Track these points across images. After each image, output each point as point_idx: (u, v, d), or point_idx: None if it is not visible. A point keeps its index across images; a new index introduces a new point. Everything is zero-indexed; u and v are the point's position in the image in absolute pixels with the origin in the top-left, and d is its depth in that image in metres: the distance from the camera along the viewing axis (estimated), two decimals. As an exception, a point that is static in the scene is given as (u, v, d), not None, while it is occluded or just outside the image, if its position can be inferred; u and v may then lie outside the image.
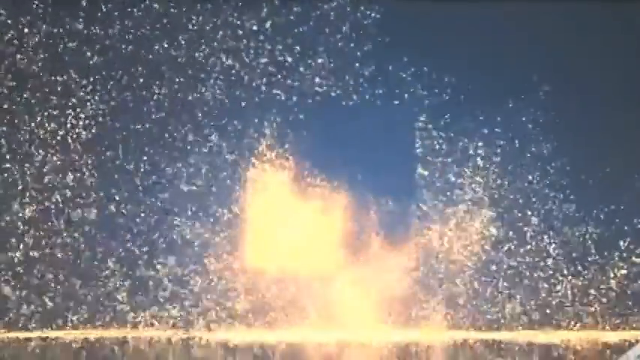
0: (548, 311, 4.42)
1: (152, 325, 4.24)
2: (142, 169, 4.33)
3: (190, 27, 4.37)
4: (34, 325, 4.19)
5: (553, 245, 4.47)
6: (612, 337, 4.34)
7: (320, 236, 4.36)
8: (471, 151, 4.50)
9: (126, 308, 4.23)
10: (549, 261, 4.46)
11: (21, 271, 4.22)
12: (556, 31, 4.45)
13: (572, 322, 4.41)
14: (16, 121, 4.30)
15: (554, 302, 4.42)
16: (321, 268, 4.33)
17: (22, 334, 4.14)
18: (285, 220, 4.36)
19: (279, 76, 4.40)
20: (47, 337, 4.14)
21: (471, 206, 4.47)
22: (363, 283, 4.36)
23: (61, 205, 4.27)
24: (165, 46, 4.34)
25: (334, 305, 4.33)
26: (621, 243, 4.45)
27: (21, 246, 4.23)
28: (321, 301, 4.32)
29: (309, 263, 4.34)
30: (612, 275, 4.43)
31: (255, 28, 4.37)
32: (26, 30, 4.31)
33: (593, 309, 4.41)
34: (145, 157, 4.34)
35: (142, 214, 4.31)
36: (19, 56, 4.31)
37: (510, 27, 4.45)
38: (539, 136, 4.51)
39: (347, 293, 4.33)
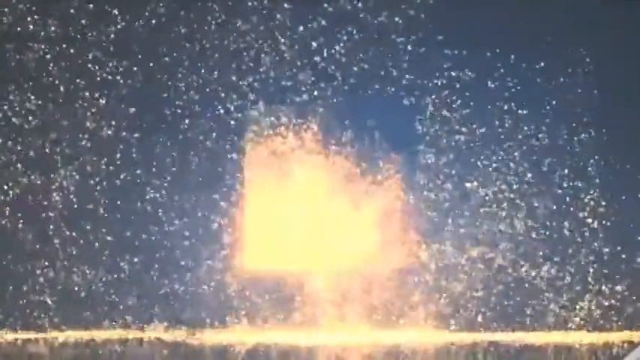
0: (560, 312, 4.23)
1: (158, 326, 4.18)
2: (160, 164, 4.20)
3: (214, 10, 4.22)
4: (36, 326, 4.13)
5: (587, 258, 4.21)
6: (617, 337, 4.19)
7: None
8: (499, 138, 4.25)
9: (130, 308, 4.16)
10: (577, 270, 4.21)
11: (22, 271, 4.14)
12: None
13: (581, 324, 4.22)
14: (23, 112, 4.17)
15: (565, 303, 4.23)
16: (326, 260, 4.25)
17: (25, 335, 4.10)
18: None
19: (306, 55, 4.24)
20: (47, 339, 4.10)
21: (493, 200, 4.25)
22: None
23: (61, 205, 4.16)
24: (187, 31, 4.20)
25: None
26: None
27: (20, 248, 4.14)
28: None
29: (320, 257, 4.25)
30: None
31: (283, 6, 4.22)
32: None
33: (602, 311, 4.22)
34: (165, 152, 4.20)
35: (158, 213, 4.20)
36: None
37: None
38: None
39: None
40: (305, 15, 4.23)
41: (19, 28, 4.17)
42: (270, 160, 4.25)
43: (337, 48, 4.25)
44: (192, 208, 4.21)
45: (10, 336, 4.08)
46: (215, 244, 4.21)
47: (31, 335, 4.08)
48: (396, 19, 4.25)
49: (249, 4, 4.22)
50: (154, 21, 4.20)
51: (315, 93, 4.25)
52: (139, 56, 4.19)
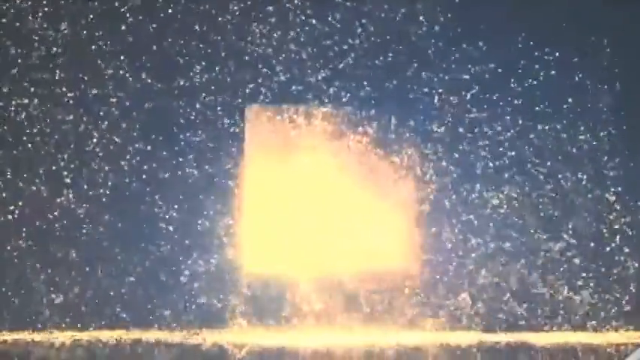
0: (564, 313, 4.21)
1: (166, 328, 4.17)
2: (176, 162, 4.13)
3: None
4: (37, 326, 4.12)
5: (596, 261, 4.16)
6: (618, 337, 4.19)
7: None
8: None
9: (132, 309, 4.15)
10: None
11: (23, 272, 4.10)
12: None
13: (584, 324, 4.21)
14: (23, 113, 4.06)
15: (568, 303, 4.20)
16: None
17: (24, 335, 4.10)
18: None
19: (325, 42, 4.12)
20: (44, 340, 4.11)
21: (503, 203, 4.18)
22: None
23: (63, 208, 4.11)
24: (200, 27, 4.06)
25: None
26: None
27: (20, 247, 4.11)
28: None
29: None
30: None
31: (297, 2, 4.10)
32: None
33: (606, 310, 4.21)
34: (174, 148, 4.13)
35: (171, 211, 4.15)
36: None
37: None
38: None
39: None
40: (323, 11, 4.11)
41: (21, 25, 4.04)
42: (278, 164, 4.19)
43: (353, 43, 4.13)
44: (195, 209, 4.16)
45: (9, 336, 4.09)
46: (216, 245, 4.17)
47: (31, 335, 4.09)
48: (418, 16, 4.13)
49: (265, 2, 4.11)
50: (169, 11, 4.07)
51: (331, 92, 4.15)
52: (148, 56, 4.08)
